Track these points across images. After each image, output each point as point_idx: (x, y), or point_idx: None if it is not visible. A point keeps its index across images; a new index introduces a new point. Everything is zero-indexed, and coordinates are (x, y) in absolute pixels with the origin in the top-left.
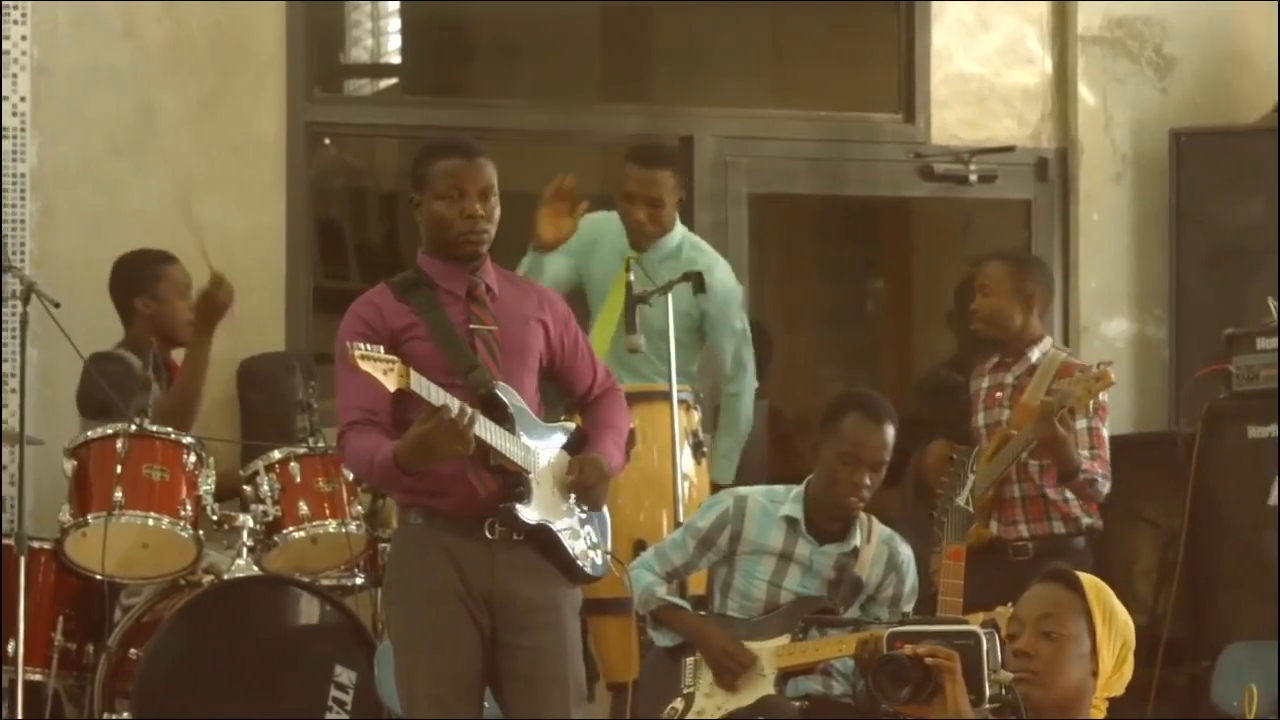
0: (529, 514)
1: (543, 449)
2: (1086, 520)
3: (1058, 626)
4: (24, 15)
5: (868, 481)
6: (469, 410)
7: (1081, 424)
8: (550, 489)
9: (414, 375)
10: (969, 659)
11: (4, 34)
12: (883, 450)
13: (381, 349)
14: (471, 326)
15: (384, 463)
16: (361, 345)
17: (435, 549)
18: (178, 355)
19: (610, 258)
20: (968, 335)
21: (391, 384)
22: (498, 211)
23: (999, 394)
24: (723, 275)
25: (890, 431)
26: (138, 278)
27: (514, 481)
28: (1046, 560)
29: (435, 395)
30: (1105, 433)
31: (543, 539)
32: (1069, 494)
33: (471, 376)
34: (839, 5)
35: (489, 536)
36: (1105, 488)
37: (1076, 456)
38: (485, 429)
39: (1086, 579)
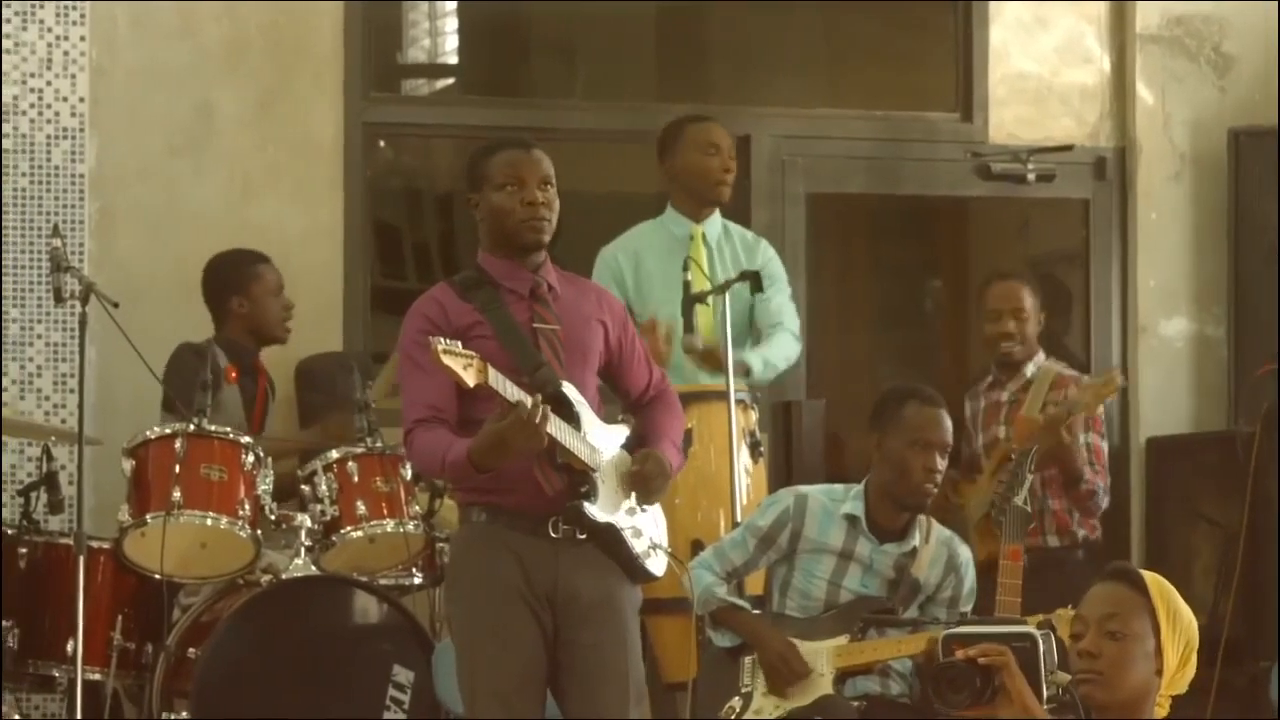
0: (596, 512)
1: (606, 447)
2: (1082, 533)
3: (1122, 626)
4: (82, 16)
5: (940, 465)
6: (543, 406)
7: (1082, 439)
8: (614, 487)
9: (491, 371)
10: (1025, 660)
11: (63, 35)
12: (948, 433)
13: (459, 344)
14: (535, 325)
15: (457, 461)
16: (442, 340)
17: (499, 547)
18: (267, 354)
19: (658, 262)
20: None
21: (471, 379)
22: (557, 202)
23: (996, 412)
24: (768, 247)
25: (948, 417)
26: (233, 278)
27: (580, 480)
28: (1041, 576)
29: (511, 391)
30: (1104, 445)
31: (608, 537)
32: (1068, 506)
33: (538, 375)
34: (895, 4)
35: (553, 535)
36: (1105, 501)
37: (1083, 466)
38: (555, 426)
39: (1150, 577)
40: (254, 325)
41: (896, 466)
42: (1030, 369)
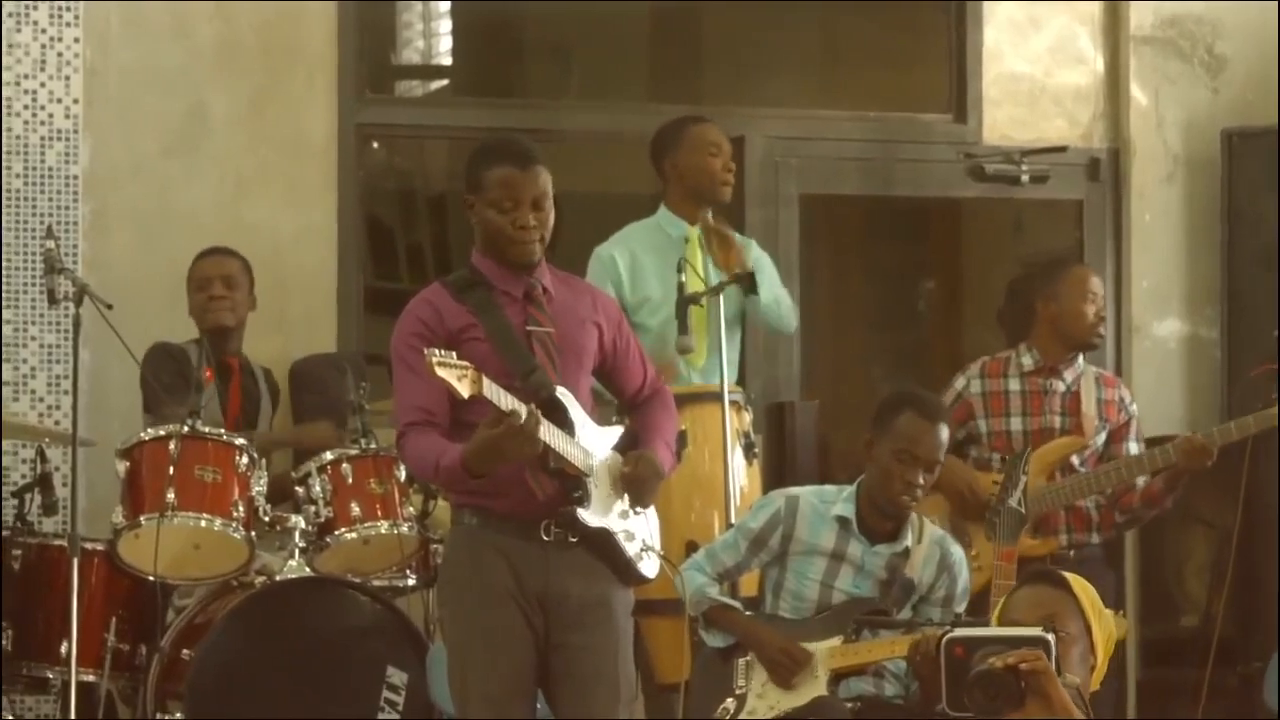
0: (589, 517)
1: (598, 451)
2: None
3: (1060, 627)
4: (76, 17)
5: (921, 480)
6: (536, 414)
7: (1135, 450)
8: (606, 490)
9: (486, 381)
10: None
11: (57, 36)
12: (937, 449)
13: (454, 355)
14: (529, 328)
15: (450, 467)
16: (437, 352)
17: (491, 550)
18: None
19: (654, 262)
20: (1018, 336)
21: (466, 390)
22: (551, 218)
23: (1045, 399)
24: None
25: (944, 431)
26: (188, 276)
27: (573, 485)
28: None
29: (505, 400)
30: None
31: (600, 541)
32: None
33: (532, 379)
34: (889, 5)
35: (545, 538)
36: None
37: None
38: (548, 432)
39: (1071, 577)
40: (195, 320)
41: (881, 474)
42: (1080, 360)
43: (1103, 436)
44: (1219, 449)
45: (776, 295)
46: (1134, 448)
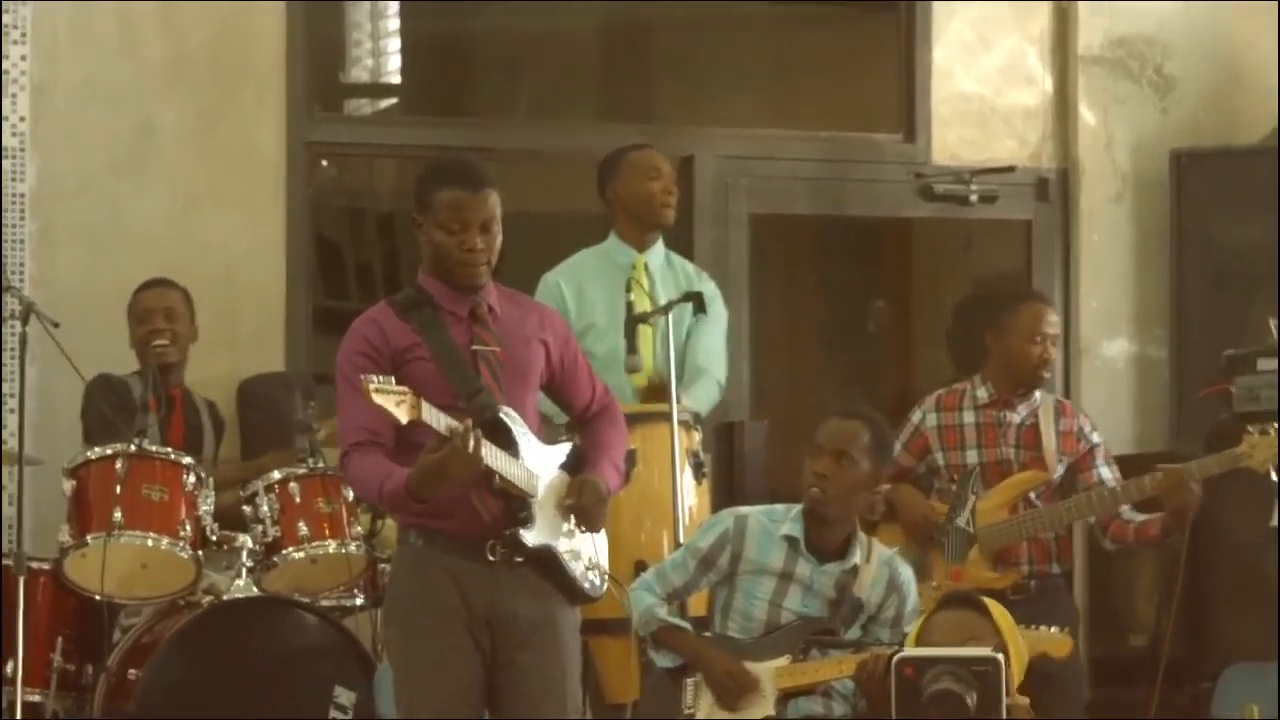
0: (532, 538)
1: (544, 470)
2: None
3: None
4: (23, 35)
5: (824, 470)
6: (475, 433)
7: (1108, 474)
8: (551, 510)
9: (425, 405)
10: (989, 684)
11: (3, 53)
12: (840, 439)
13: (393, 380)
14: (474, 348)
15: (395, 491)
16: (375, 378)
17: (436, 570)
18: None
19: (600, 290)
20: (965, 357)
21: (404, 416)
22: (499, 240)
23: (1001, 432)
24: (709, 281)
25: (856, 425)
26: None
27: (518, 506)
28: (1043, 600)
29: (444, 425)
30: None
31: (545, 561)
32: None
33: (476, 400)
34: (840, 24)
35: (490, 558)
36: None
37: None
38: (492, 454)
39: (988, 601)
40: (137, 354)
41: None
42: (1038, 392)
43: (1062, 468)
44: (1200, 482)
45: (688, 407)
46: (1106, 473)
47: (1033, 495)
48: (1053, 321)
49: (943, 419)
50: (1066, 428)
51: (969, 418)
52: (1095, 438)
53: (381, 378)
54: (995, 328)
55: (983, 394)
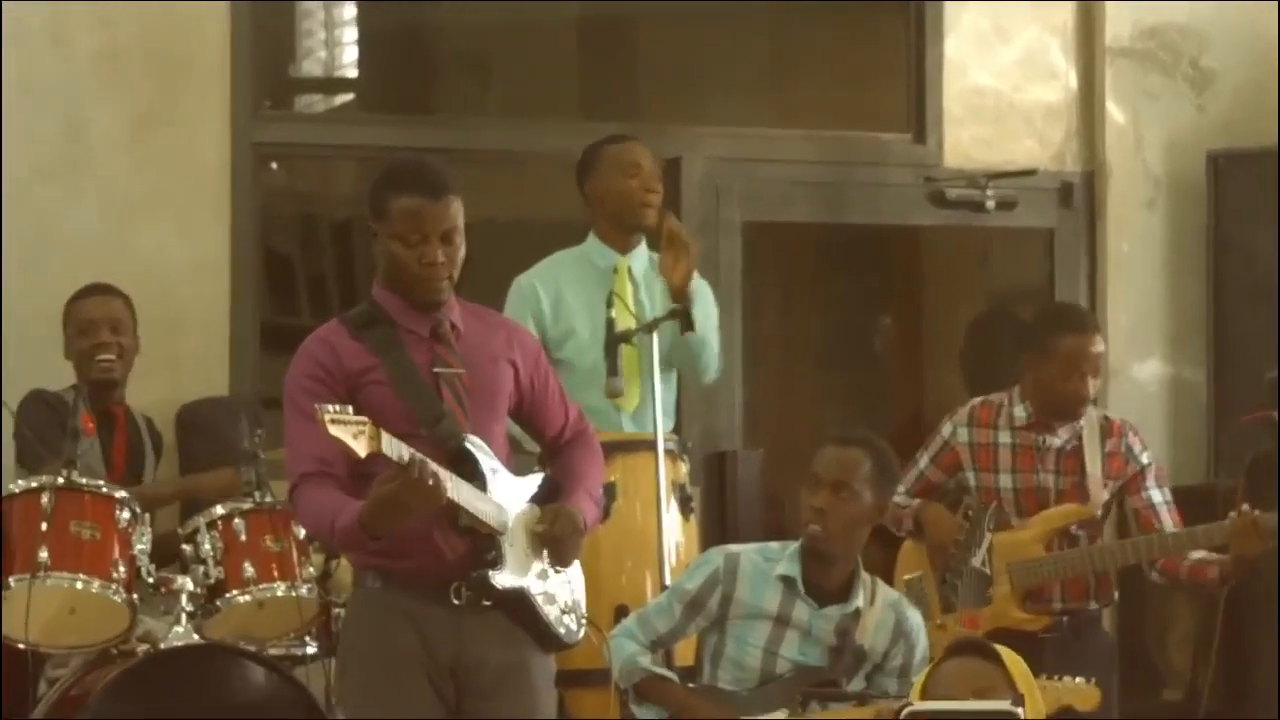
0: (503, 579)
1: (514, 505)
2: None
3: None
4: None
5: (820, 504)
6: (430, 465)
7: (1159, 498)
8: (523, 549)
9: (385, 436)
10: None
11: None
12: (839, 469)
13: (351, 409)
14: (436, 370)
15: (348, 527)
16: (330, 407)
17: (395, 614)
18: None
19: (580, 295)
20: (980, 380)
21: (362, 449)
22: (462, 252)
23: (1039, 458)
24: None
25: (855, 453)
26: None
27: (485, 545)
28: (1077, 639)
29: (405, 455)
30: None
31: (516, 604)
32: None
33: (439, 428)
34: (842, 14)
35: (455, 601)
36: None
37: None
38: (457, 488)
39: (1002, 649)
40: (76, 368)
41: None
42: (1083, 413)
43: (1108, 494)
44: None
45: (705, 336)
46: (1157, 496)
47: (1074, 527)
48: (1096, 353)
49: (975, 435)
50: (1113, 448)
51: (1005, 438)
52: (1145, 458)
53: (337, 407)
54: (1033, 351)
55: (1020, 413)
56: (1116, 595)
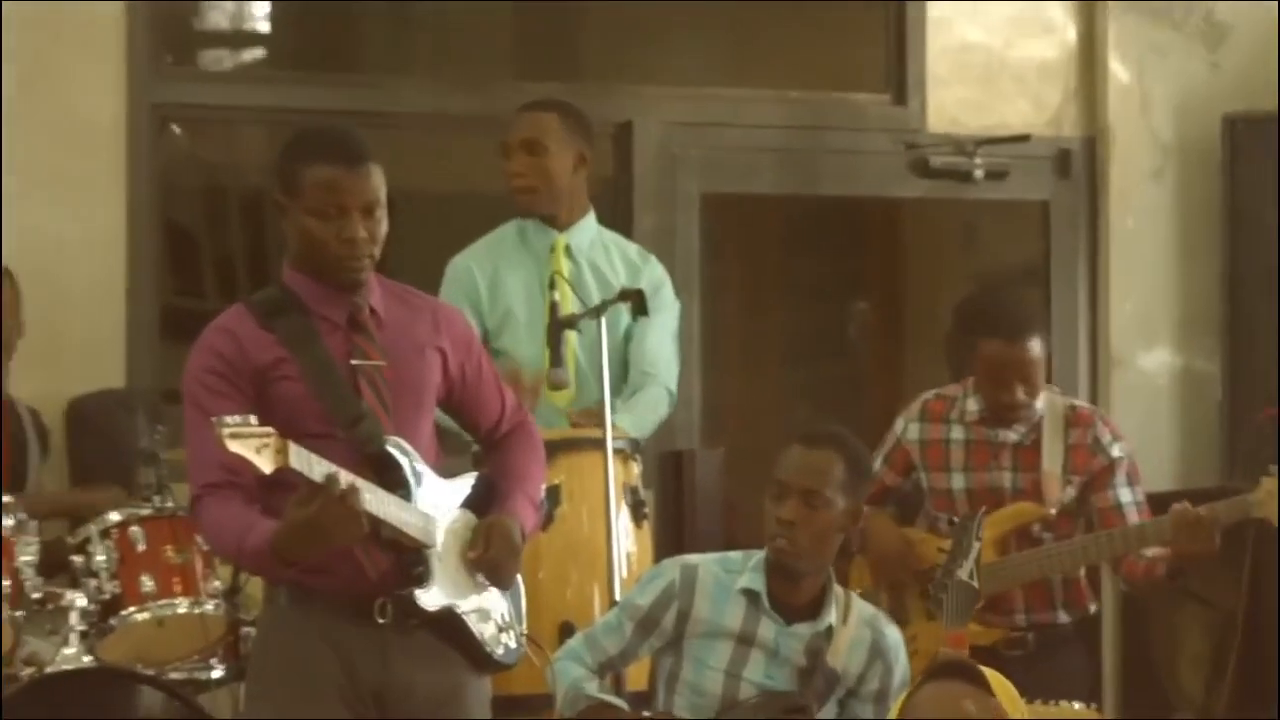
0: (430, 598)
1: (442, 513)
2: (1094, 606)
3: None
4: None
5: (788, 516)
6: (357, 481)
7: (1128, 497)
8: (453, 561)
9: (293, 449)
10: None
11: None
12: (807, 475)
13: (254, 419)
14: (354, 362)
15: (258, 550)
16: (229, 419)
17: (312, 635)
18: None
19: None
20: (965, 369)
21: (268, 464)
22: (384, 227)
23: (993, 453)
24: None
25: (825, 455)
26: None
27: (411, 559)
28: (1046, 658)
29: (320, 473)
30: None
31: (446, 624)
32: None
33: (358, 430)
34: None
35: (379, 620)
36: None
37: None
38: (378, 500)
39: (988, 672)
40: None
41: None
42: (1039, 405)
43: (1070, 493)
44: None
45: (633, 420)
46: (1125, 495)
47: (1036, 529)
48: (1027, 360)
49: (926, 432)
50: (1078, 440)
51: (957, 433)
52: (1117, 450)
53: (236, 419)
54: (977, 344)
55: (973, 406)
56: (1094, 608)
